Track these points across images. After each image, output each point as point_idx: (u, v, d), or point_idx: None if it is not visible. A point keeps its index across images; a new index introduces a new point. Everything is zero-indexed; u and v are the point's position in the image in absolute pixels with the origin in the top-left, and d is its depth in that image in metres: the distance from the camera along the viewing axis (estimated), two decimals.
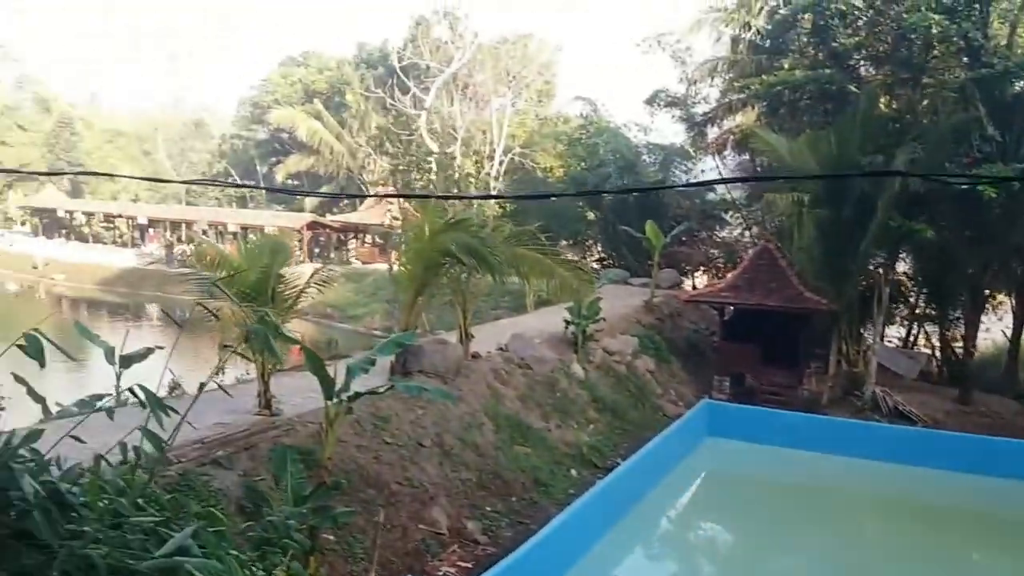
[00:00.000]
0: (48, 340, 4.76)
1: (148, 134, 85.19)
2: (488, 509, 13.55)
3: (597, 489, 14.24)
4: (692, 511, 17.40)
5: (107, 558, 4.16)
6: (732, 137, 29.86)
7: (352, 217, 51.63)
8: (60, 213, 64.01)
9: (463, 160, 44.79)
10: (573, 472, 15.97)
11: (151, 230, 59.38)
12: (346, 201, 59.35)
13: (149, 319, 43.18)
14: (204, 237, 53.27)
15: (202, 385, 6.38)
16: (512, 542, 12.14)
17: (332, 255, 53.62)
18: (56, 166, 76.48)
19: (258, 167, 67.54)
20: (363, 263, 49.38)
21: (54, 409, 7.46)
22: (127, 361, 15.46)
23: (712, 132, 31.53)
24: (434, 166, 44.40)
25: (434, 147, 45.60)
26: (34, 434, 4.59)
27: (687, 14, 58.31)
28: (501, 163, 44.94)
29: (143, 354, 15.35)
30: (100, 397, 15.00)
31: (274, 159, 67.07)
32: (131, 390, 7.61)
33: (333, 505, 9.81)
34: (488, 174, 44.49)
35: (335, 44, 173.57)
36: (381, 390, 9.97)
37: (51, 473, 4.57)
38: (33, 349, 4.40)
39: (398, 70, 46.04)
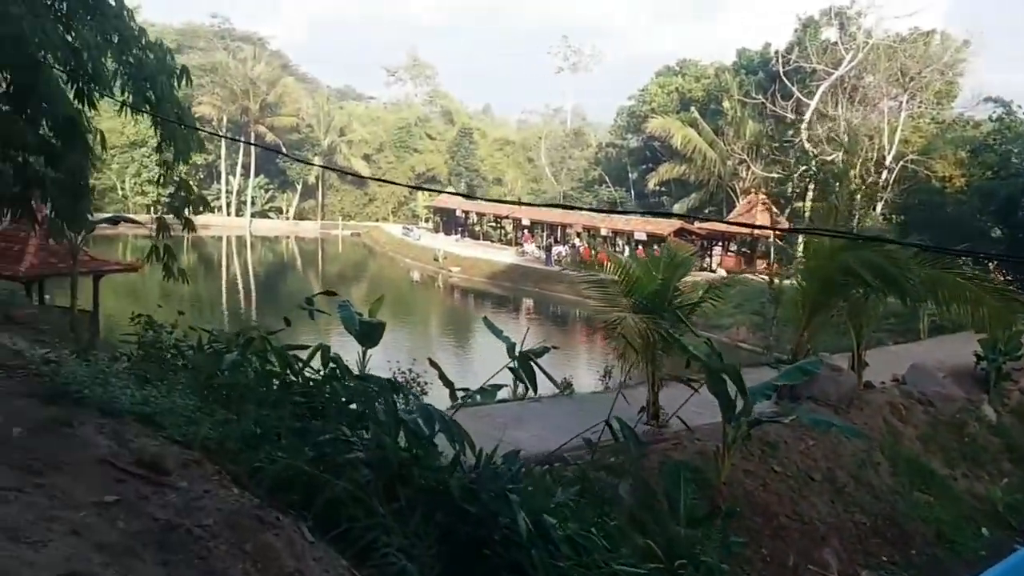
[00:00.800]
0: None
1: (532, 143, 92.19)
2: (884, 559, 12.22)
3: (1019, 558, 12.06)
4: None
5: None
6: None
7: (719, 226, 50.69)
8: (458, 213, 71.84)
9: (845, 167, 41.55)
10: (984, 531, 13.81)
11: (526, 231, 64.01)
12: (708, 208, 58.71)
13: (528, 312, 46.52)
14: (578, 240, 56.30)
15: (619, 384, 6.41)
16: None
17: (696, 262, 53.28)
18: (455, 171, 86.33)
19: (629, 174, 69.46)
20: (727, 272, 48.26)
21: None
22: (525, 357, 16.22)
23: None
24: (812, 170, 41.91)
25: (812, 153, 43.06)
26: (511, 457, 4.79)
27: None
28: (891, 171, 40.90)
29: (539, 352, 16.05)
30: (498, 387, 15.89)
31: (643, 166, 68.59)
32: (553, 379, 7.87)
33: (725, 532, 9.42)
34: (875, 183, 40.81)
35: (713, 51, 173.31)
36: (785, 420, 9.37)
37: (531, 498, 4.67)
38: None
39: (781, 74, 44.12)
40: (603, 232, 55.40)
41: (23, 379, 4.35)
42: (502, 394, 17.89)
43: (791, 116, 44.08)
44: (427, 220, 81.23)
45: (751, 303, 37.73)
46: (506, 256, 58.35)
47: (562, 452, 11.95)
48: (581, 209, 56.79)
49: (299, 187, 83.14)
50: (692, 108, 56.10)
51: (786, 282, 22.92)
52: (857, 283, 13.77)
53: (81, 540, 3.03)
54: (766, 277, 22.93)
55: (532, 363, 6.64)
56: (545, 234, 63.21)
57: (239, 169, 78.45)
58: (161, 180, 11.65)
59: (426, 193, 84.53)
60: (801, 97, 43.59)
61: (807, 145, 43.26)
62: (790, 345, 23.32)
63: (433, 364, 15.84)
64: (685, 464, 11.09)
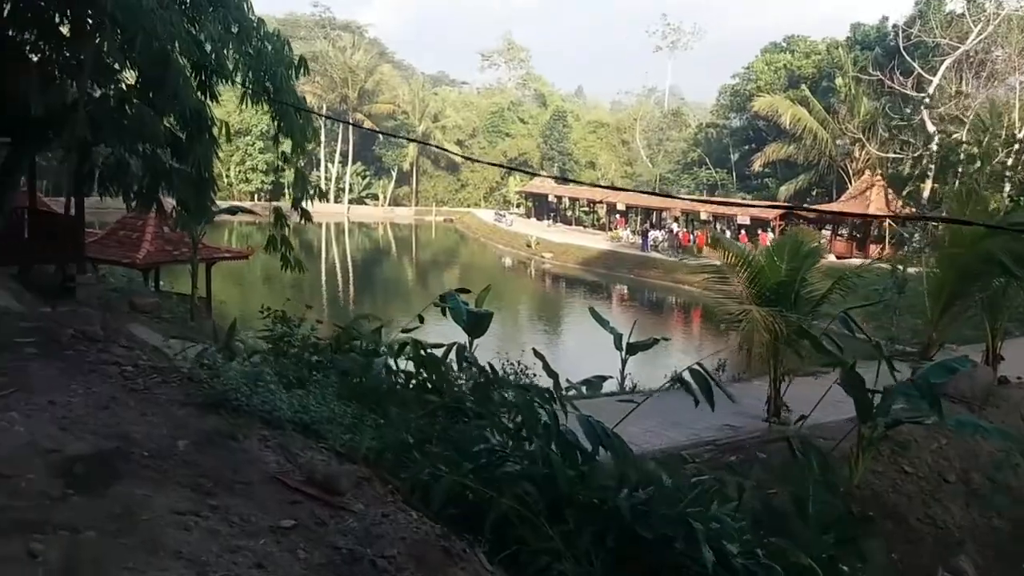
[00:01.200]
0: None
1: (627, 124, 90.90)
2: None
3: None
4: None
5: None
6: None
7: (832, 207, 48.77)
8: (550, 198, 71.63)
9: (985, 146, 39.14)
10: None
11: (618, 216, 63.13)
12: (816, 191, 56.58)
13: (623, 299, 46.02)
14: (675, 225, 55.24)
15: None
16: None
17: None
18: (548, 155, 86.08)
19: (731, 155, 67.65)
20: (837, 257, 46.41)
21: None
22: (633, 349, 15.91)
23: None
24: (934, 149, 39.71)
25: (934, 132, 40.83)
26: (671, 467, 4.61)
27: None
28: (1020, 151, 38.39)
29: (648, 343, 15.70)
30: (603, 379, 15.63)
31: (746, 147, 66.66)
32: (681, 377, 7.67)
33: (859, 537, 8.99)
34: (1003, 163, 38.37)
35: (817, 27, 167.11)
36: (927, 421, 8.86)
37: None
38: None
39: (901, 49, 41.93)
40: (703, 216, 54.17)
41: (179, 383, 4.32)
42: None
43: (912, 93, 41.82)
44: (518, 205, 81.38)
45: (862, 289, 36.19)
46: (600, 242, 57.81)
47: (679, 449, 11.70)
48: (674, 197, 55.52)
49: (394, 173, 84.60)
50: (802, 86, 53.94)
51: (910, 270, 21.79)
52: (998, 272, 12.93)
53: (267, 575, 2.99)
54: (885, 264, 21.74)
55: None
56: (639, 219, 62.37)
57: (337, 156, 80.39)
58: (278, 170, 11.94)
59: (517, 178, 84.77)
60: (923, 73, 41.30)
61: (929, 124, 41.01)
62: (911, 336, 22.31)
63: (537, 355, 15.76)
64: (801, 461, 10.67)
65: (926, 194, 42.80)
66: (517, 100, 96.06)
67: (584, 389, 15.88)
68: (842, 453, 12.76)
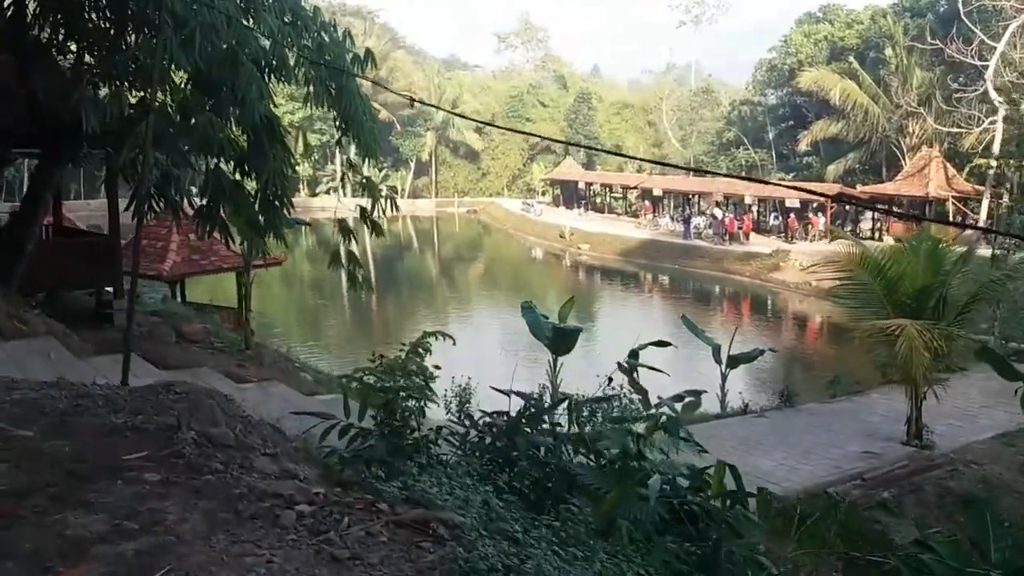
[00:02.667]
0: None
1: (653, 104, 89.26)
2: None
3: None
4: None
5: None
6: None
7: (887, 188, 47.15)
8: (580, 185, 70.18)
9: None
10: None
11: (646, 202, 61.52)
12: (865, 169, 54.91)
13: (673, 292, 44.71)
14: (718, 210, 53.64)
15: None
16: None
17: (858, 229, 50.03)
18: (573, 139, 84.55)
19: (769, 134, 65.96)
20: (896, 240, 44.87)
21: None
22: (735, 362, 14.42)
23: None
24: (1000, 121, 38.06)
25: (1001, 103, 39.13)
26: None
27: None
28: None
29: (752, 355, 14.27)
30: (699, 393, 14.16)
31: (784, 124, 64.97)
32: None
33: None
34: None
35: None
36: None
37: None
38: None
39: (961, 14, 40.19)
40: (747, 200, 52.59)
41: (390, 535, 2.98)
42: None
43: (975, 61, 40.09)
44: (543, 193, 79.91)
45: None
46: (638, 231, 56.33)
47: (823, 486, 10.48)
48: (716, 174, 53.90)
49: (412, 164, 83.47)
50: (850, 58, 52.03)
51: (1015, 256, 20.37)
52: None
53: None
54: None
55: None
56: (673, 204, 60.87)
57: (352, 149, 79.21)
58: (344, 182, 10.74)
59: (542, 165, 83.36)
60: (985, 39, 39.56)
61: (993, 93, 39.32)
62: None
63: (623, 369, 14.52)
64: (979, 498, 9.50)
65: (992, 170, 41.15)
66: (536, 83, 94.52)
67: (679, 408, 14.66)
68: (1002, 480, 11.56)
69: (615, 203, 69.23)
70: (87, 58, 9.70)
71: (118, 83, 7.59)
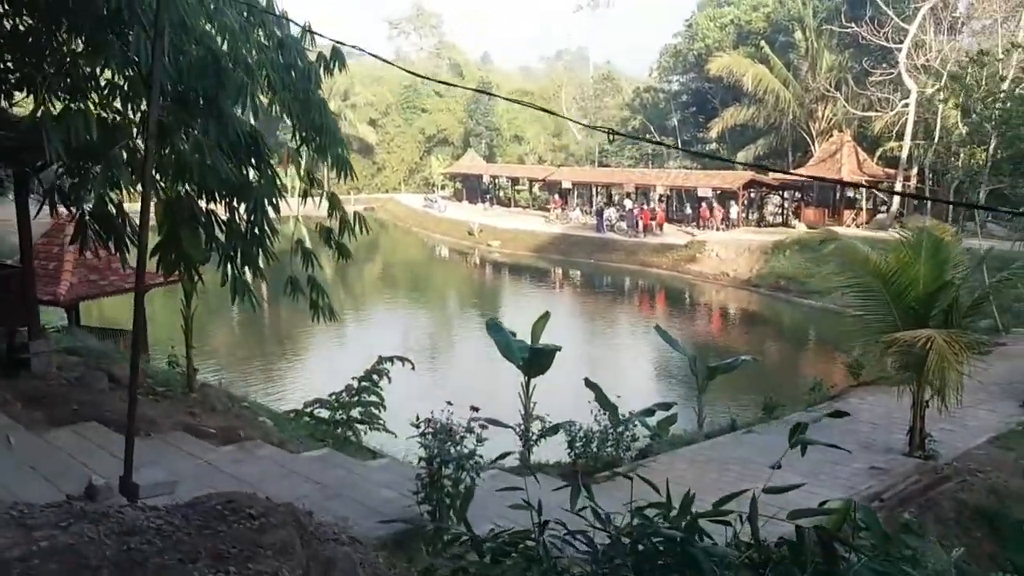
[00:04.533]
0: None
1: (551, 93, 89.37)
2: None
3: None
4: None
5: None
6: None
7: (800, 173, 48.41)
8: (485, 178, 69.44)
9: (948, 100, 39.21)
10: None
11: (556, 196, 61.40)
12: (773, 156, 56.38)
13: (580, 287, 44.91)
14: (629, 202, 53.93)
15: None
16: None
17: (767, 217, 51.39)
18: (474, 131, 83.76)
19: (673, 121, 66.97)
20: (808, 226, 46.18)
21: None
22: (714, 372, 13.91)
23: None
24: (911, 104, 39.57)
25: (913, 87, 40.71)
26: None
27: None
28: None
29: (733, 365, 13.84)
30: (668, 406, 13.69)
31: (689, 111, 66.11)
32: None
33: None
34: (988, 118, 38.44)
35: None
36: None
37: None
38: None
39: None
40: (659, 190, 53.11)
41: None
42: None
43: (889, 44, 41.50)
44: (443, 187, 78.72)
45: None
46: (549, 225, 56.08)
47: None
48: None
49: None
50: (760, 42, 53.08)
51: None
52: None
53: None
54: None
55: None
56: (580, 196, 61.04)
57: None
58: (305, 195, 9.58)
59: (441, 158, 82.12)
60: (899, 22, 41.02)
61: (907, 77, 40.84)
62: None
63: (589, 385, 13.88)
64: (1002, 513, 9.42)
65: (904, 154, 42.79)
66: (431, 71, 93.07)
67: (650, 422, 14.12)
68: (1009, 489, 11.53)
69: (519, 196, 69.00)
70: None
71: (45, 92, 6.30)
